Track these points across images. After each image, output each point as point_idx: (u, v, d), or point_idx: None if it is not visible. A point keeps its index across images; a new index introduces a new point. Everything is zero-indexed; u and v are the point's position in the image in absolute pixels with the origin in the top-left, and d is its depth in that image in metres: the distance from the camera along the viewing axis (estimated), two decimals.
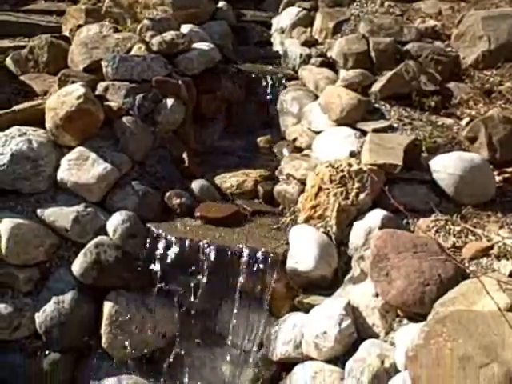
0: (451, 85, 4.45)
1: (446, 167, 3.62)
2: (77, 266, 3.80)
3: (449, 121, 4.19)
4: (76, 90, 4.12)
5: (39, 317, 3.76)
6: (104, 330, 3.77)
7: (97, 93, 4.36)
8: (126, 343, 3.76)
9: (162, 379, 3.80)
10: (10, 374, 3.73)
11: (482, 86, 4.41)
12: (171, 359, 3.80)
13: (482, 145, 3.87)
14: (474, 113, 4.20)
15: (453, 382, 2.47)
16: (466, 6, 5.16)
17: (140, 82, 4.44)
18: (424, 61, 4.53)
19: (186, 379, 3.78)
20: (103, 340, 3.78)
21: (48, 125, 4.13)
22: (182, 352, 3.78)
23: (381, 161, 3.67)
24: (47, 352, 3.76)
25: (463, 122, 4.15)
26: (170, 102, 4.42)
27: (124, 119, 4.22)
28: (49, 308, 3.75)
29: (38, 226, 3.87)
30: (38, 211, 3.92)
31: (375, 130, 4.03)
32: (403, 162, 3.66)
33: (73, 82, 4.30)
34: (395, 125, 4.13)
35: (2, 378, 3.74)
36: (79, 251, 3.83)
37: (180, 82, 4.56)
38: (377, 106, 4.31)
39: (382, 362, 2.97)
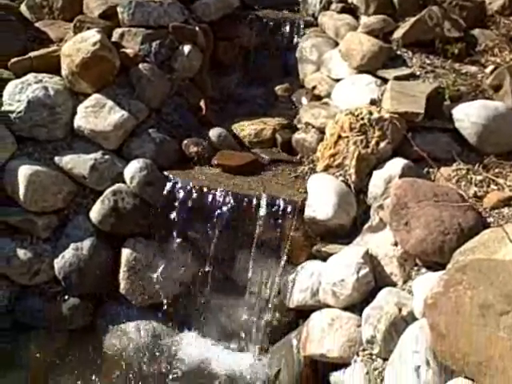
0: (476, 31, 4.31)
1: (468, 116, 3.55)
2: (95, 214, 3.81)
3: (473, 68, 4.08)
4: (92, 36, 4.07)
5: (58, 263, 3.79)
6: (122, 276, 3.80)
7: (113, 39, 4.30)
8: (144, 290, 3.79)
9: (179, 325, 3.84)
10: (30, 318, 3.79)
11: (508, 33, 4.28)
12: (188, 306, 3.84)
13: (507, 93, 3.76)
14: (499, 60, 4.08)
15: (472, 330, 2.46)
16: None
17: (156, 28, 4.37)
18: (448, 6, 4.39)
19: (203, 326, 3.81)
20: (121, 286, 3.81)
21: (64, 72, 4.09)
22: (200, 299, 3.81)
23: (402, 109, 3.60)
24: (66, 297, 3.80)
25: (488, 70, 4.03)
26: (186, 48, 4.35)
27: (140, 66, 4.17)
28: (67, 254, 3.78)
29: (56, 174, 3.88)
30: (56, 159, 3.92)
31: (397, 78, 3.94)
32: (425, 110, 3.59)
33: (88, 29, 4.23)
34: (417, 72, 4.03)
35: (23, 322, 3.80)
36: (97, 199, 3.84)
37: (197, 28, 4.49)
38: (399, 53, 4.20)
39: (400, 310, 2.97)
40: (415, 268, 3.17)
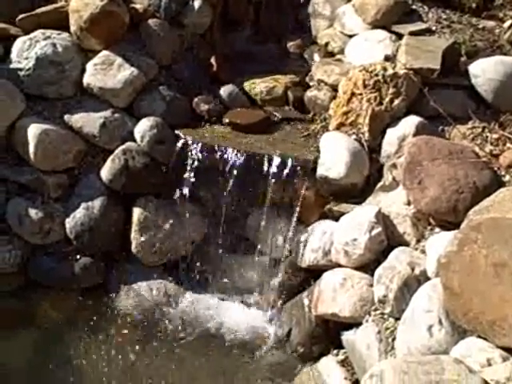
0: None
1: (485, 72, 3.46)
2: (105, 173, 3.78)
3: (490, 23, 3.97)
4: None
5: (69, 222, 3.78)
6: (134, 235, 3.80)
7: None
8: (156, 249, 3.80)
9: (191, 285, 3.85)
10: (43, 276, 3.82)
11: None
12: (200, 265, 3.85)
13: None
14: None
15: (486, 288, 2.44)
16: None
17: None
18: None
19: (215, 285, 3.82)
20: (133, 245, 3.81)
21: (72, 28, 4.01)
22: (211, 258, 3.82)
23: (417, 65, 3.52)
24: (78, 256, 3.81)
25: (506, 25, 3.92)
26: (197, 3, 4.25)
27: (150, 22, 4.09)
28: (78, 214, 3.77)
29: (66, 132, 3.84)
30: (65, 117, 3.87)
31: (412, 33, 3.83)
32: (441, 66, 3.50)
33: None
34: (433, 27, 3.92)
35: (35, 280, 3.83)
36: (107, 157, 3.80)
37: None
38: (414, 7, 4.07)
39: (413, 270, 2.95)
40: (428, 227, 3.14)
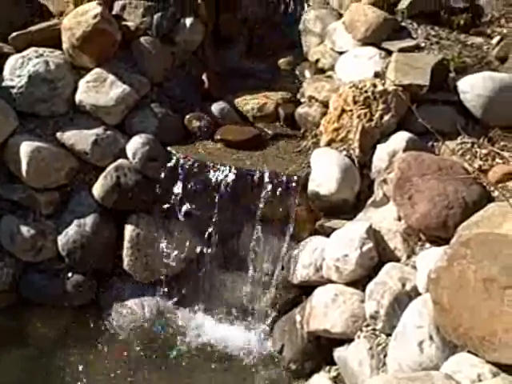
0: (482, 1, 4.23)
1: (474, 88, 3.49)
2: (97, 190, 3.79)
3: (478, 40, 4.01)
4: (92, 9, 4.00)
5: (61, 239, 3.79)
6: (126, 252, 3.81)
7: (114, 12, 4.24)
8: (148, 266, 3.80)
9: (183, 301, 3.85)
10: (35, 294, 3.82)
11: None
12: (192, 282, 3.84)
13: None
14: (505, 31, 4.01)
15: (475, 304, 2.45)
16: None
17: (158, 0, 4.29)
18: None
19: (207, 301, 3.82)
20: (125, 262, 3.82)
21: (65, 45, 4.04)
22: (203, 275, 3.82)
23: (406, 81, 3.55)
24: (70, 274, 3.81)
25: (494, 41, 3.96)
26: (188, 21, 4.29)
27: (142, 39, 4.13)
28: (71, 231, 3.78)
29: (58, 149, 3.85)
30: (58, 134, 3.89)
31: (401, 50, 3.86)
32: (430, 82, 3.53)
33: (89, 1, 4.15)
34: (422, 44, 3.96)
35: (27, 298, 3.83)
36: (99, 175, 3.82)
37: (199, 0, 4.40)
38: (403, 24, 4.12)
39: (403, 285, 2.96)
40: (419, 243, 3.15)
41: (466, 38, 4.04)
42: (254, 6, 4.78)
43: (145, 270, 3.82)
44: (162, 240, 3.79)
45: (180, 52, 4.28)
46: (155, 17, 4.22)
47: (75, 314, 3.82)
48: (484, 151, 3.36)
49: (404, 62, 3.71)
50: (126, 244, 3.80)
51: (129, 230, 3.80)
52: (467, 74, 3.65)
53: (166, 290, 3.85)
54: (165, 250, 3.79)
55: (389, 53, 3.90)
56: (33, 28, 4.19)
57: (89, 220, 3.78)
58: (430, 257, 2.90)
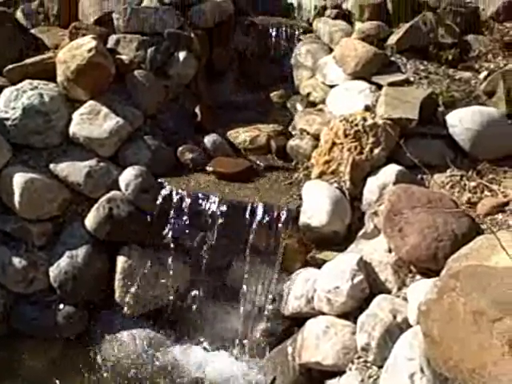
0: (470, 37, 4.33)
1: (462, 122, 3.56)
2: (90, 221, 3.81)
3: (466, 74, 4.09)
4: (87, 42, 4.07)
5: (53, 271, 3.79)
6: (117, 284, 3.80)
7: (108, 46, 4.31)
8: (140, 297, 3.79)
9: (175, 333, 3.83)
10: (26, 326, 3.80)
11: (502, 39, 4.29)
12: (184, 314, 3.83)
13: (501, 99, 3.77)
14: (492, 66, 4.09)
15: (465, 336, 2.46)
16: None
17: (152, 34, 4.39)
18: (442, 12, 4.40)
19: (199, 333, 3.80)
20: (117, 294, 3.81)
21: (59, 78, 4.09)
22: (195, 306, 3.81)
23: (396, 115, 3.61)
24: (61, 305, 3.80)
25: (481, 76, 4.04)
26: (182, 55, 4.36)
27: (136, 73, 4.19)
28: (63, 262, 3.78)
29: (51, 181, 3.88)
30: (51, 166, 3.91)
31: (391, 84, 3.94)
32: (419, 116, 3.60)
33: (84, 35, 4.24)
34: (411, 78, 4.04)
35: (18, 330, 3.80)
36: (92, 206, 3.83)
37: (192, 34, 4.50)
38: (393, 59, 4.21)
39: (394, 317, 2.97)
40: (409, 275, 3.17)
41: (455, 73, 4.12)
42: (246, 40, 4.87)
43: (136, 301, 3.80)
44: (153, 272, 3.79)
45: (173, 85, 4.34)
46: (149, 51, 4.29)
47: (66, 345, 3.79)
48: (473, 184, 3.40)
49: (394, 96, 3.78)
50: (118, 275, 3.80)
51: (121, 261, 3.80)
52: (456, 108, 3.73)
53: (157, 321, 3.84)
54: (157, 281, 3.79)
55: (379, 87, 3.98)
56: (28, 61, 4.24)
57: (81, 251, 3.78)
58: (421, 289, 2.91)
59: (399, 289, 3.16)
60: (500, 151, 3.54)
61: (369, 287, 3.22)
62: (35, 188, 3.79)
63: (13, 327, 3.81)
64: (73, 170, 3.89)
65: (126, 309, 3.83)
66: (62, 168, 3.90)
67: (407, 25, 4.29)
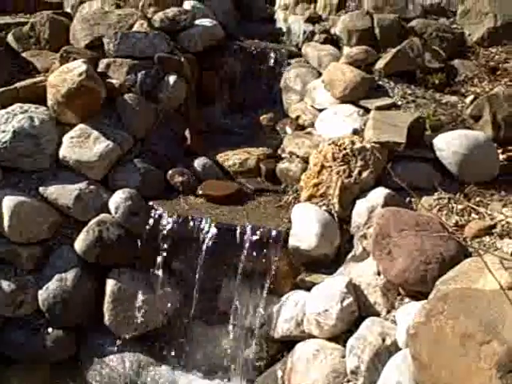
0: (456, 62, 4.40)
1: (449, 145, 3.60)
2: (79, 244, 3.80)
3: (453, 98, 4.15)
4: (78, 66, 4.10)
5: (42, 294, 3.77)
6: (107, 307, 3.78)
7: (99, 70, 4.34)
8: (129, 321, 3.77)
9: (164, 357, 3.81)
10: (13, 351, 3.76)
11: (487, 64, 4.37)
12: (173, 337, 3.82)
13: (487, 123, 3.83)
14: (478, 90, 4.16)
15: (453, 360, 2.47)
16: None
17: (142, 58, 4.41)
18: (429, 38, 4.48)
19: (188, 357, 3.79)
20: (106, 317, 3.79)
21: (50, 102, 4.11)
22: (185, 330, 3.80)
23: (384, 138, 3.65)
24: (50, 329, 3.77)
25: (467, 100, 4.10)
26: (172, 79, 4.39)
27: (126, 96, 4.21)
28: (52, 285, 3.76)
29: (41, 204, 3.87)
30: (41, 189, 3.91)
31: (379, 108, 3.99)
32: (406, 139, 3.63)
33: (74, 59, 4.26)
34: (399, 102, 4.09)
35: (6, 354, 3.77)
36: (81, 229, 3.82)
37: (182, 58, 4.54)
38: (380, 83, 4.27)
39: (384, 340, 2.98)
40: (398, 297, 3.18)
41: (441, 97, 4.18)
42: (235, 64, 4.91)
43: (125, 325, 3.78)
44: (143, 294, 3.78)
45: (163, 109, 4.36)
46: (139, 75, 4.31)
47: (54, 369, 3.76)
48: (460, 207, 3.43)
49: (381, 120, 3.82)
50: (107, 299, 3.78)
51: (110, 284, 3.79)
52: (443, 131, 3.77)
53: (146, 345, 3.82)
54: (146, 304, 3.77)
55: (367, 111, 4.03)
56: (19, 84, 4.27)
57: (70, 275, 3.77)
58: (410, 311, 2.93)
59: (388, 311, 3.17)
60: (486, 174, 3.58)
61: (358, 310, 3.23)
62: (25, 211, 3.79)
63: (0, 352, 3.78)
64: (62, 192, 3.89)
65: (115, 332, 3.81)
66: (52, 191, 3.90)
67: (394, 50, 4.35)
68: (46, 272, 3.81)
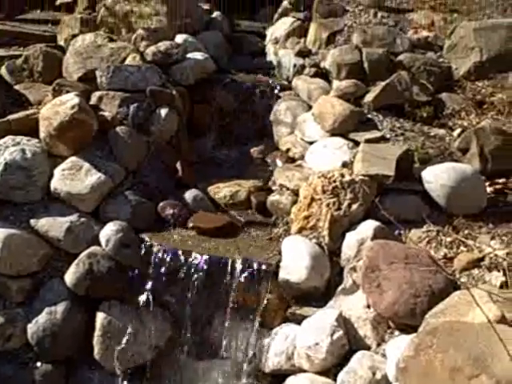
0: (443, 95, 4.45)
1: (437, 178, 3.63)
2: (69, 277, 3.79)
3: (441, 131, 4.20)
4: (70, 99, 4.14)
5: (31, 327, 3.75)
6: (96, 340, 3.76)
7: (91, 102, 4.37)
8: (119, 354, 3.75)
9: None
10: None
11: (474, 97, 4.42)
12: (164, 371, 3.80)
13: (474, 156, 3.87)
14: (465, 124, 4.21)
15: None
16: (458, 17, 5.18)
17: (134, 91, 4.45)
18: (416, 71, 4.54)
19: None
20: (95, 351, 3.77)
21: (42, 134, 4.14)
22: (175, 363, 3.78)
23: (373, 171, 3.68)
24: (39, 363, 3.75)
25: (455, 133, 4.15)
26: (163, 111, 4.43)
27: (118, 129, 4.24)
28: (41, 319, 3.74)
29: (31, 237, 3.88)
30: (32, 221, 3.92)
31: (368, 141, 4.03)
32: (395, 172, 3.67)
33: (67, 92, 4.31)
34: (388, 135, 4.14)
35: None
36: (72, 262, 3.82)
37: (174, 91, 4.59)
38: (369, 116, 4.31)
39: (374, 374, 2.98)
40: (388, 331, 3.19)
41: (429, 130, 4.23)
42: (227, 97, 4.96)
43: (116, 358, 3.76)
44: (133, 328, 3.76)
45: (155, 141, 4.39)
46: (131, 107, 4.35)
47: None
48: (449, 239, 3.45)
49: (371, 153, 3.86)
50: (97, 332, 3.76)
51: (100, 317, 3.77)
52: (431, 164, 3.80)
53: (137, 379, 3.79)
54: (136, 338, 3.75)
55: (356, 143, 4.06)
56: (11, 117, 4.30)
57: (60, 308, 3.76)
58: (399, 345, 2.92)
59: (378, 345, 3.17)
60: (474, 207, 3.61)
61: (348, 343, 3.23)
62: (15, 244, 3.79)
63: None
64: (53, 225, 3.90)
65: (105, 366, 3.78)
66: (43, 223, 3.91)
67: (383, 83, 4.41)
68: (35, 305, 3.80)
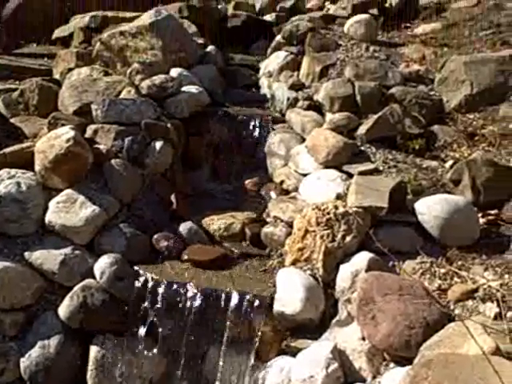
0: (435, 128, 4.50)
1: (430, 210, 3.65)
2: (63, 310, 3.78)
3: (433, 163, 4.24)
4: (65, 133, 4.17)
5: (24, 361, 3.72)
6: (90, 375, 3.74)
7: (86, 136, 4.41)
8: None
9: None
10: None
11: (466, 129, 4.47)
12: None
13: (466, 187, 3.91)
14: (457, 155, 4.25)
15: None
16: (448, 50, 5.28)
17: (129, 124, 4.49)
18: (408, 104, 4.60)
19: None
20: None
21: (37, 167, 4.16)
22: None
23: (366, 203, 3.70)
24: None
25: (447, 165, 4.19)
26: (158, 144, 4.47)
27: (113, 162, 4.27)
28: (34, 353, 3.72)
29: (25, 270, 3.87)
30: (26, 254, 3.92)
31: (361, 173, 4.07)
32: (389, 204, 3.69)
33: (62, 125, 4.35)
34: (381, 167, 4.18)
35: None
36: (66, 294, 3.82)
37: (169, 125, 4.63)
38: (362, 148, 4.36)
39: None
40: (384, 363, 3.17)
41: (422, 162, 4.27)
42: (221, 130, 5.01)
43: None
44: (127, 362, 3.74)
45: (149, 174, 4.42)
46: (126, 140, 4.38)
47: None
48: (443, 270, 3.46)
49: (364, 185, 3.88)
50: (91, 366, 3.74)
51: (94, 351, 3.75)
52: (424, 196, 3.83)
53: None
54: (130, 371, 3.73)
55: (349, 175, 4.10)
56: (6, 150, 4.32)
57: (53, 342, 3.73)
58: (395, 377, 2.91)
59: (374, 377, 3.15)
60: (467, 238, 3.63)
61: (343, 376, 3.21)
62: (9, 277, 3.78)
63: None
64: (48, 257, 3.90)
65: None
66: (37, 256, 3.90)
67: (375, 116, 4.47)
68: (28, 338, 3.77)
